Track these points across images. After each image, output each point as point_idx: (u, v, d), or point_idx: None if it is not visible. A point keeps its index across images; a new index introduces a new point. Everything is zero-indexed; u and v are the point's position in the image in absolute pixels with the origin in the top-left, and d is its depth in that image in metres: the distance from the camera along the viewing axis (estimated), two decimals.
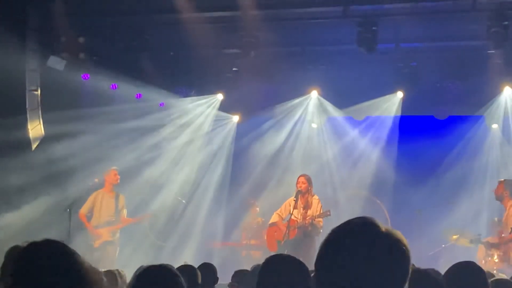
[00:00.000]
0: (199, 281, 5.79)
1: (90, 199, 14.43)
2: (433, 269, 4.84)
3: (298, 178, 13.78)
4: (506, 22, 12.52)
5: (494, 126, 16.40)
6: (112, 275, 7.88)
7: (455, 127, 16.47)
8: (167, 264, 4.61)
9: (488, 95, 15.42)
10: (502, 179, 13.71)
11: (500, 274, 8.43)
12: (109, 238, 14.23)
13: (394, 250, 2.41)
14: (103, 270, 7.73)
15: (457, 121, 16.45)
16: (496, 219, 14.15)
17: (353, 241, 2.41)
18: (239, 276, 7.43)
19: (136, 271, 6.43)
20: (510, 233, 12.89)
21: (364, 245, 2.39)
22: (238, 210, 17.21)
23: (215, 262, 9.47)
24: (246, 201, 17.05)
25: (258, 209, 16.72)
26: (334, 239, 2.46)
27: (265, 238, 14.32)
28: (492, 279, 5.03)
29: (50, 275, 2.65)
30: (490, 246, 13.31)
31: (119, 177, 14.56)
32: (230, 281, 7.42)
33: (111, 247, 14.28)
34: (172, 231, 16.80)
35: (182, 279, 4.35)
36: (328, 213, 13.34)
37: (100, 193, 14.50)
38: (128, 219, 14.60)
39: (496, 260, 13.21)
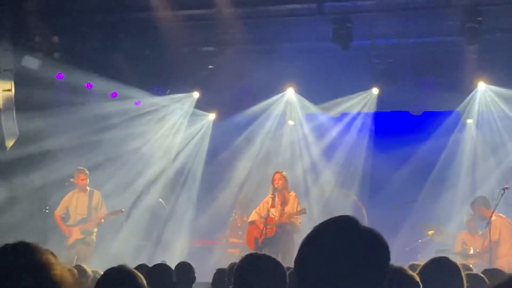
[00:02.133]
0: (174, 279, 5.77)
1: (65, 200, 14.40)
2: (403, 266, 4.83)
3: (274, 175, 13.59)
4: (480, 18, 12.61)
5: (469, 121, 16.46)
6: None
7: (431, 123, 16.53)
8: (126, 266, 4.56)
9: (463, 90, 15.49)
10: (473, 202, 13.59)
11: (474, 269, 8.51)
12: (79, 236, 14.15)
13: (374, 248, 2.45)
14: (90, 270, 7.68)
15: (433, 117, 16.51)
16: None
17: (334, 239, 2.44)
18: (220, 274, 7.39)
19: None
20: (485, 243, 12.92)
21: (344, 243, 2.42)
22: (215, 208, 17.18)
23: (195, 261, 9.44)
24: (235, 199, 17.00)
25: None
26: (315, 237, 2.49)
27: (245, 236, 14.31)
28: (466, 273, 5.04)
29: (18, 278, 2.62)
30: (470, 257, 13.26)
31: (86, 182, 14.45)
32: (211, 279, 7.39)
33: (83, 246, 14.15)
34: (151, 230, 16.75)
35: (143, 281, 4.32)
36: (304, 210, 13.31)
37: (75, 193, 14.47)
38: (98, 216, 14.45)
39: (472, 254, 13.28)
